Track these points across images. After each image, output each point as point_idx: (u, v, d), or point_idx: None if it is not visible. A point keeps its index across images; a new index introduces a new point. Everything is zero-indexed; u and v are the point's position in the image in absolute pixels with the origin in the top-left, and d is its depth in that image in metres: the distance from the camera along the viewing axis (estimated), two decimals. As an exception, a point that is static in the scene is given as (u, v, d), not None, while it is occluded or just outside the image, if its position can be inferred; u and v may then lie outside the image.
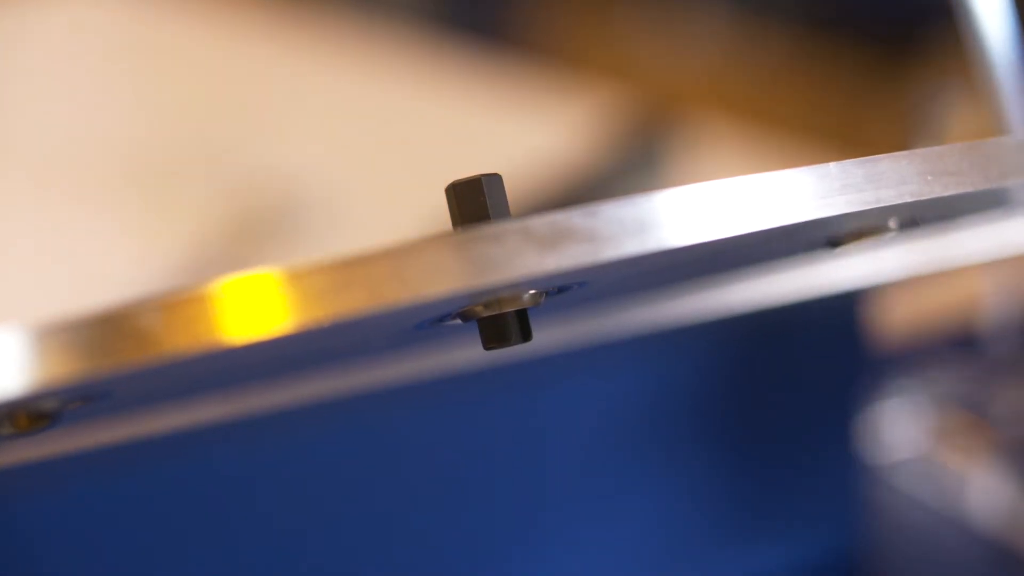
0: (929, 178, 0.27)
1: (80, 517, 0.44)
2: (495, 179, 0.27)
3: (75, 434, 0.40)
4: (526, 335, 0.28)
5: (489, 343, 0.28)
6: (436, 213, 0.67)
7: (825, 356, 0.52)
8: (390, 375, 0.43)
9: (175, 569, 0.45)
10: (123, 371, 0.22)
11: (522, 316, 0.28)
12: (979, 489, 0.61)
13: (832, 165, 0.26)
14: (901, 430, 0.62)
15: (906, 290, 0.62)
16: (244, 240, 0.84)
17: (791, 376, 0.51)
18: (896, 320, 0.62)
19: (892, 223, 0.30)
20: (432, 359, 0.43)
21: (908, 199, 0.26)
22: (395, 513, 0.46)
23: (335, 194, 0.90)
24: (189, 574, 0.45)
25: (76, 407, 0.25)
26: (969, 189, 0.27)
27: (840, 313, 0.52)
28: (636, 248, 0.23)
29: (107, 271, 0.82)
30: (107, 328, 0.21)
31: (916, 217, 0.30)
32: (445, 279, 0.23)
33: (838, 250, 0.32)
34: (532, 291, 0.26)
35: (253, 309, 0.22)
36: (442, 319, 0.28)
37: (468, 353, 0.43)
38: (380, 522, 0.46)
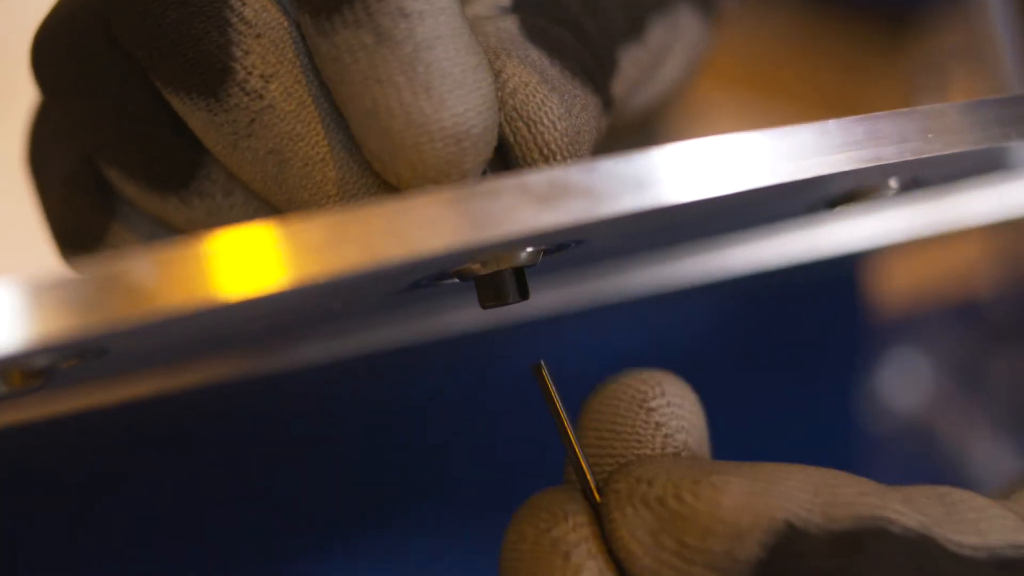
0: (930, 136, 0.27)
1: (74, 480, 0.44)
2: None
3: (70, 395, 0.40)
4: (524, 293, 0.28)
5: (486, 301, 0.28)
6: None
7: (825, 319, 0.52)
8: (387, 337, 0.43)
9: (167, 531, 0.45)
10: (117, 327, 0.21)
11: (520, 274, 0.28)
12: (978, 456, 0.61)
13: (832, 122, 0.26)
14: (900, 397, 0.62)
15: (906, 256, 0.62)
16: None
17: (790, 339, 0.51)
18: (896, 286, 0.62)
19: (893, 182, 0.30)
20: (429, 321, 0.43)
21: (908, 157, 0.26)
22: (391, 474, 0.46)
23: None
24: (181, 535, 0.45)
25: (71, 365, 0.25)
26: (970, 147, 0.27)
27: (840, 276, 0.52)
28: (634, 204, 0.23)
29: None
30: (101, 284, 0.21)
31: (917, 176, 0.30)
32: (441, 235, 0.22)
33: (838, 211, 0.32)
34: (530, 248, 0.26)
35: (248, 265, 0.22)
36: (439, 277, 0.28)
37: (466, 315, 0.43)
38: (375, 483, 0.46)
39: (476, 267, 0.27)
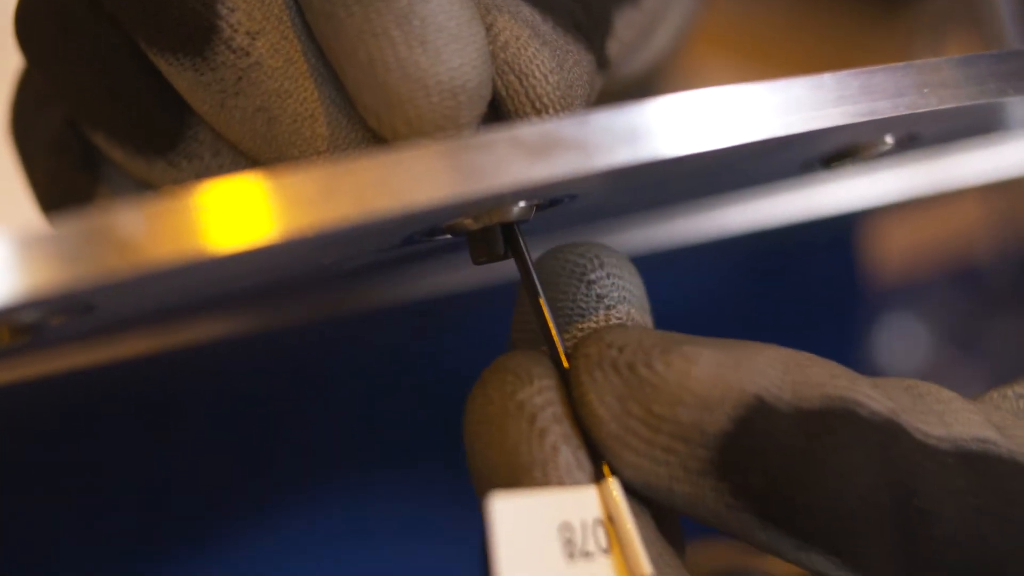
0: (926, 90, 0.27)
1: (62, 440, 0.43)
2: None
3: (57, 354, 0.39)
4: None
5: (478, 257, 0.28)
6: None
7: (821, 280, 0.52)
8: (379, 297, 0.42)
9: (154, 489, 0.45)
10: (106, 281, 0.21)
11: (512, 230, 0.28)
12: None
13: (827, 76, 0.25)
14: (895, 358, 0.62)
15: (902, 220, 0.62)
16: None
17: (786, 299, 0.51)
18: (892, 248, 0.62)
19: (888, 138, 0.29)
20: (422, 279, 0.42)
21: (904, 112, 0.26)
22: (384, 434, 0.46)
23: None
24: (168, 494, 0.45)
25: (59, 322, 0.25)
26: (965, 102, 0.27)
27: (837, 237, 0.52)
28: (627, 157, 0.23)
29: None
30: (89, 237, 0.21)
31: (913, 133, 0.30)
32: (433, 187, 0.22)
33: (834, 169, 0.31)
34: (522, 203, 0.26)
35: (238, 217, 0.22)
36: (431, 233, 0.28)
37: (457, 275, 0.43)
38: (368, 440, 0.46)
39: (468, 222, 0.27)
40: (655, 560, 0.26)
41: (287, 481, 0.46)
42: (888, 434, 0.25)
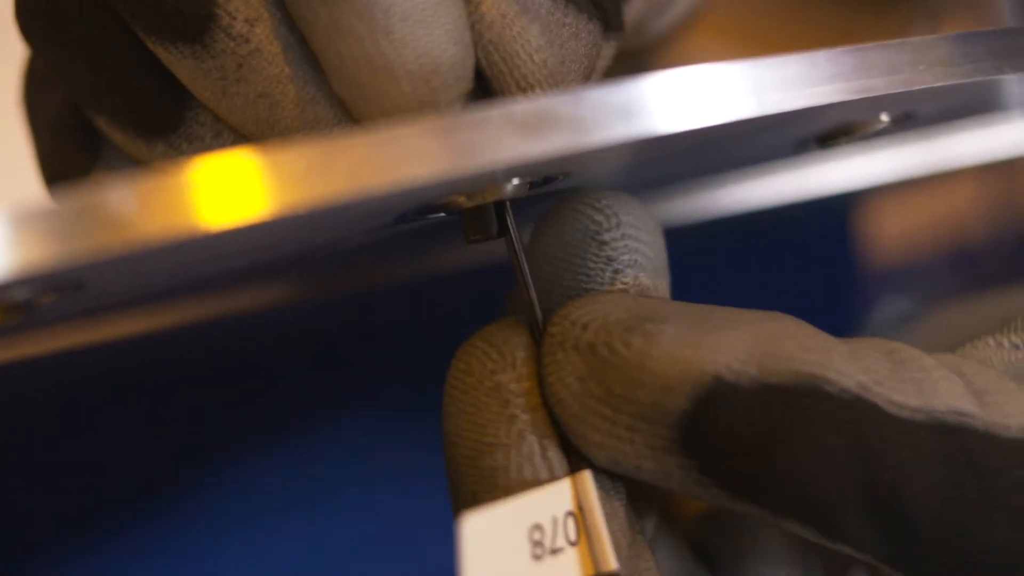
0: (921, 68, 0.26)
1: (52, 420, 0.43)
2: None
3: (48, 335, 0.39)
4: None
5: (472, 236, 0.28)
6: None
7: (816, 260, 0.52)
8: (372, 275, 0.42)
9: (144, 472, 0.45)
10: (96, 257, 0.21)
11: (503, 208, 0.28)
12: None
13: (821, 53, 0.25)
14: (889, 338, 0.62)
15: (897, 201, 0.62)
16: None
17: (780, 280, 0.51)
18: (887, 231, 0.62)
19: (884, 116, 0.29)
20: (416, 258, 0.42)
21: (898, 89, 0.26)
22: (376, 413, 0.46)
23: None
24: (158, 477, 0.45)
25: (49, 301, 0.25)
26: (961, 80, 0.27)
27: (833, 217, 0.51)
28: (621, 134, 0.23)
29: None
30: (80, 213, 0.21)
31: (908, 111, 0.30)
32: (426, 164, 0.22)
33: (828, 147, 0.31)
34: (516, 180, 0.26)
35: (230, 193, 0.22)
36: (424, 211, 0.27)
37: (451, 255, 0.43)
38: (359, 421, 0.46)
39: (462, 200, 0.27)
40: (622, 553, 0.27)
41: (280, 454, 0.46)
42: (858, 412, 0.25)
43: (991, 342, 0.29)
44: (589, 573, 0.26)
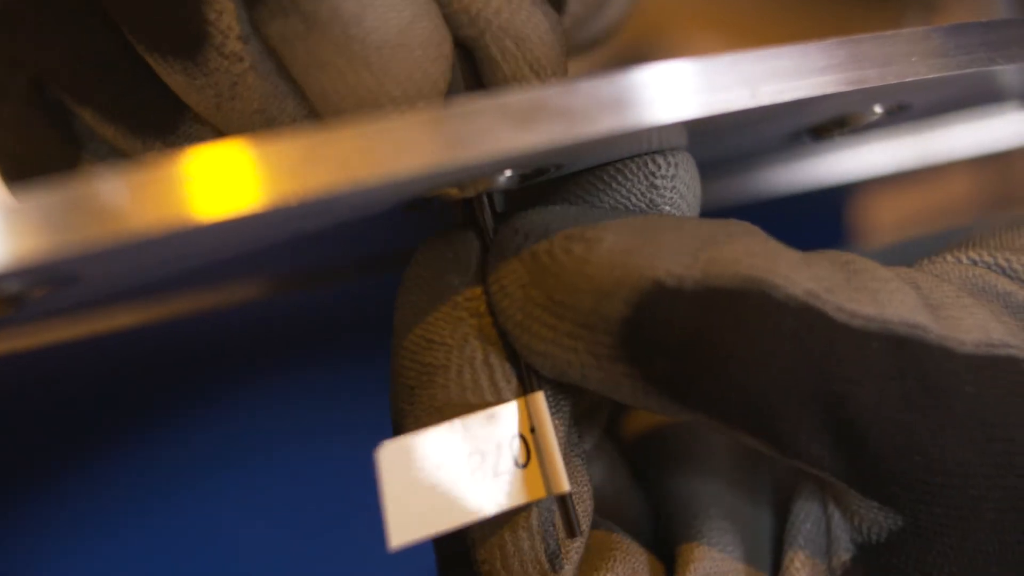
0: (913, 59, 0.26)
1: (46, 411, 0.43)
2: None
3: (40, 328, 0.39)
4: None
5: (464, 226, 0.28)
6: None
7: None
8: (365, 263, 0.42)
9: (139, 463, 0.45)
10: (89, 250, 0.21)
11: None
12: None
13: (814, 44, 0.25)
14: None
15: (892, 194, 0.62)
16: None
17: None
18: (883, 220, 0.62)
19: (877, 108, 0.29)
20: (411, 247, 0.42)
21: (891, 80, 0.26)
22: (370, 406, 0.46)
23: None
24: (153, 468, 0.45)
25: (42, 294, 0.24)
26: (954, 71, 0.27)
27: (827, 209, 0.51)
28: (612, 125, 0.23)
29: None
30: (72, 205, 0.21)
31: (903, 103, 0.30)
32: (418, 155, 0.22)
33: (822, 138, 0.31)
34: (508, 172, 0.26)
35: (222, 185, 0.21)
36: (416, 203, 0.27)
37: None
38: (357, 414, 0.46)
39: (454, 192, 0.27)
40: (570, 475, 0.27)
41: (280, 450, 0.46)
42: (804, 319, 0.24)
43: (949, 258, 0.28)
44: (539, 495, 0.26)
